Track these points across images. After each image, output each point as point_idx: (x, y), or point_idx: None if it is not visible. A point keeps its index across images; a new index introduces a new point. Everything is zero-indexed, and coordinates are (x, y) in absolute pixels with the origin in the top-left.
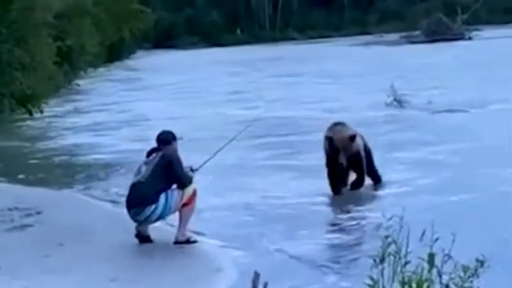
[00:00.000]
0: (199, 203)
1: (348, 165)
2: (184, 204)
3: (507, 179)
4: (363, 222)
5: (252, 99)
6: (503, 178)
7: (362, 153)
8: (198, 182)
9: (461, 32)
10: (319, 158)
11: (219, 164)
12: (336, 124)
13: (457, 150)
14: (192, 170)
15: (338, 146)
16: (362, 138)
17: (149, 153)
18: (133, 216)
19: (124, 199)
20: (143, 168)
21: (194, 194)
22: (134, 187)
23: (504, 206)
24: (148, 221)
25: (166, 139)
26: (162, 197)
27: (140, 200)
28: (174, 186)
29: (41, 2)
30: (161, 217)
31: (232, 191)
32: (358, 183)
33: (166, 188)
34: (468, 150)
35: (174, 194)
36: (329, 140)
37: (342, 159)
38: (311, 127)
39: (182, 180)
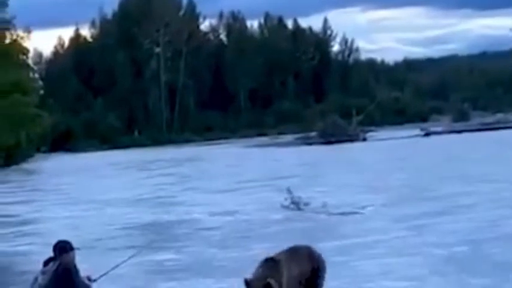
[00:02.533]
0: None
1: None
2: None
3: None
4: None
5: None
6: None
7: None
8: None
9: (356, 133)
10: None
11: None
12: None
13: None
14: (90, 280)
15: None
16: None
17: (46, 263)
18: None
19: None
20: (40, 278)
21: None
22: None
23: None
24: None
25: (63, 247)
26: None
27: None
28: None
29: None
30: None
31: None
32: None
33: None
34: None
35: None
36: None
37: None
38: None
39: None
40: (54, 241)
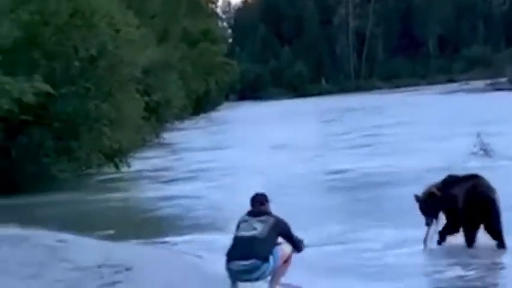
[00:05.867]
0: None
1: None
2: (284, 262)
3: None
4: None
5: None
6: None
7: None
8: None
9: None
10: None
11: None
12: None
13: None
14: None
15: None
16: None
17: (251, 213)
18: (242, 270)
19: (212, 254)
20: (258, 225)
21: (292, 251)
22: (249, 241)
23: None
24: (256, 277)
25: (261, 201)
26: (271, 258)
27: (258, 254)
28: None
29: (127, 58)
30: (265, 277)
31: None
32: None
33: (272, 250)
34: None
35: (277, 255)
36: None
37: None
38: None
39: (300, 243)
40: (244, 188)
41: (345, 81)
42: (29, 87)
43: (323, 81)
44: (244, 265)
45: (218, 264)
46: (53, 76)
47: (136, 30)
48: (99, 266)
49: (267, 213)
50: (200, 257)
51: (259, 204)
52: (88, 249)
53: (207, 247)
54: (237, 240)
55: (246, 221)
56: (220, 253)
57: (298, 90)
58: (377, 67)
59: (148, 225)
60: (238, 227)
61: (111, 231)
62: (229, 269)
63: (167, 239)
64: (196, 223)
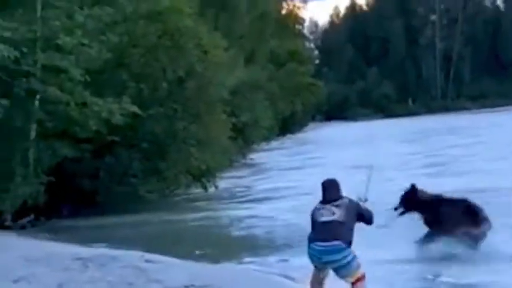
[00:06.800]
0: None
1: None
2: (357, 279)
3: None
4: None
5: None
6: None
7: None
8: None
9: None
10: None
11: None
12: None
13: None
14: (362, 201)
15: None
16: None
17: (324, 201)
18: (324, 250)
19: (299, 274)
20: (336, 210)
21: (364, 274)
22: (330, 224)
23: None
24: (337, 261)
25: (331, 186)
26: (351, 251)
27: (342, 237)
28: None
29: (215, 79)
30: (343, 267)
31: None
32: None
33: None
34: None
35: (357, 261)
36: None
37: None
38: None
39: (372, 216)
40: None
41: (432, 102)
42: (117, 109)
43: (410, 102)
44: (326, 246)
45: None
46: (141, 97)
47: (224, 52)
48: (186, 287)
49: (339, 197)
50: (292, 279)
51: (331, 189)
52: (175, 269)
53: (296, 268)
54: (318, 226)
55: (321, 209)
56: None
57: (384, 111)
58: (464, 88)
59: (234, 245)
60: (313, 215)
61: (198, 251)
62: (311, 250)
63: (254, 259)
64: (284, 243)
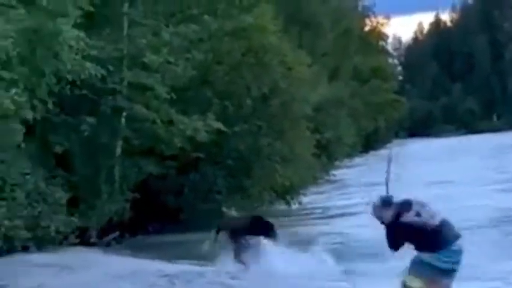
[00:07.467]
0: None
1: None
2: None
3: None
4: None
5: None
6: None
7: None
8: None
9: None
10: None
11: None
12: None
13: None
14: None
15: None
16: None
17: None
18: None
19: None
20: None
21: None
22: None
23: None
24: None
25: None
26: None
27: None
28: None
29: (299, 96)
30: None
31: None
32: None
33: None
34: None
35: None
36: None
37: None
38: None
39: None
40: None
41: None
42: (202, 126)
43: (495, 118)
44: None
45: None
46: (225, 114)
47: (308, 68)
48: None
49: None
50: None
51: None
52: (260, 285)
53: None
54: (440, 226)
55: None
56: None
57: (469, 127)
58: None
59: None
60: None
61: None
62: (451, 252)
63: None
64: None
